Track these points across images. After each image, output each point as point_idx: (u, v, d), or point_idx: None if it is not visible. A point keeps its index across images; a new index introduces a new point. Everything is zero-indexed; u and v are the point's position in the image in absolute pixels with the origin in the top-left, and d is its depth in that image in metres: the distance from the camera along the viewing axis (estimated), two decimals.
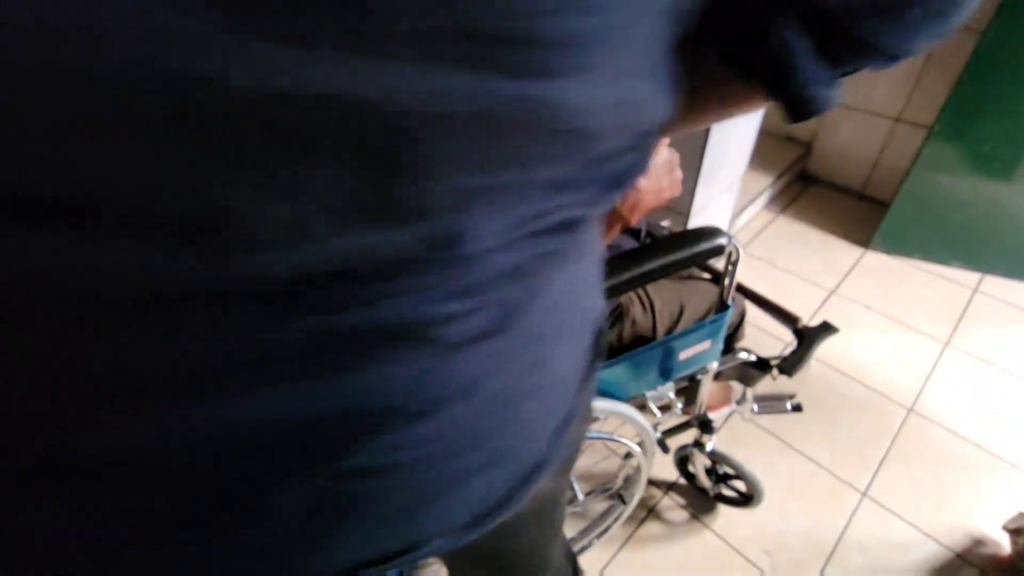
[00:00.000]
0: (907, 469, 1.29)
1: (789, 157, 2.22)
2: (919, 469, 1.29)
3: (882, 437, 1.35)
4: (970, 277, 1.80)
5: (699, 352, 0.90)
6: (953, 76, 1.76)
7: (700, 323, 0.85)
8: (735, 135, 1.46)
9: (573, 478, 1.18)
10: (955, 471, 1.28)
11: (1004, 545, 1.11)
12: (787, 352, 1.01)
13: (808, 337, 0.98)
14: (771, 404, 1.11)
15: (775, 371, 0.99)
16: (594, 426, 0.99)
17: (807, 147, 2.25)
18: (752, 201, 2.05)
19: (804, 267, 1.87)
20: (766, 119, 2.33)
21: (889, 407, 1.42)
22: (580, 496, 1.14)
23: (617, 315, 0.90)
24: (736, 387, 1.17)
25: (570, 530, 1.16)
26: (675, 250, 0.68)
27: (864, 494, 1.25)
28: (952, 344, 1.59)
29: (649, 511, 1.24)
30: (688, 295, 0.98)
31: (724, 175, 1.59)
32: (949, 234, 1.79)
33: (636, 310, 0.92)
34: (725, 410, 1.10)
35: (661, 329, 0.94)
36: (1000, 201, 1.65)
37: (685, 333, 0.85)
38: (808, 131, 2.23)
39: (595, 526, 1.14)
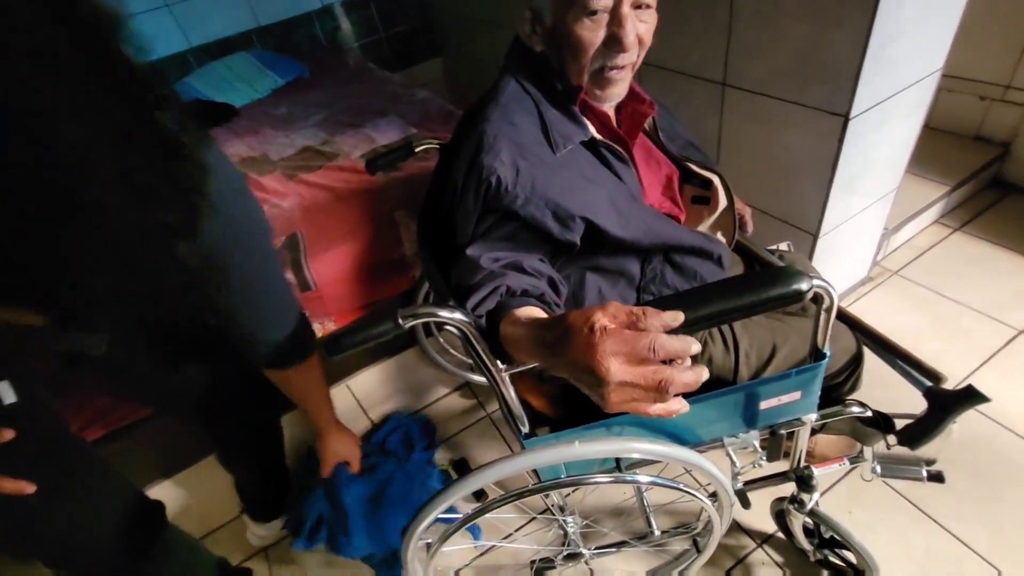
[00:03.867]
0: None
1: (977, 161, 1.82)
2: None
3: None
4: None
5: (786, 403, 0.79)
6: None
7: (787, 372, 0.75)
8: (886, 130, 1.24)
9: (650, 511, 1.12)
10: None
11: None
12: (919, 414, 0.85)
13: (942, 403, 0.80)
14: (900, 468, 0.94)
15: (894, 436, 0.83)
16: (661, 470, 0.93)
17: (1004, 148, 1.82)
18: (918, 214, 1.72)
19: (984, 298, 1.53)
20: (936, 112, 1.93)
21: None
22: (655, 531, 1.08)
23: None
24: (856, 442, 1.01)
25: (642, 566, 1.10)
26: (737, 294, 0.61)
27: None
28: None
29: (738, 561, 1.12)
30: (785, 335, 0.86)
31: (871, 184, 1.36)
32: None
33: (716, 349, 0.84)
34: (835, 467, 0.96)
35: (746, 372, 0.85)
36: None
37: (765, 381, 0.76)
38: (1006, 127, 1.80)
39: (668, 568, 1.07)
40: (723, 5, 1.25)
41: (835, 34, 1.07)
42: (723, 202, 0.89)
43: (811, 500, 0.96)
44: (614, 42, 0.67)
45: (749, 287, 0.62)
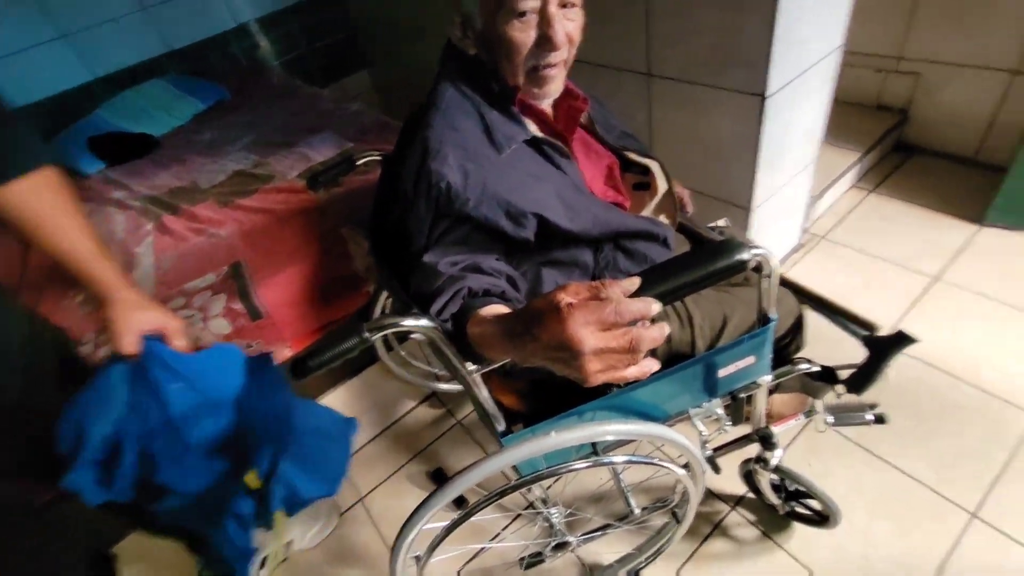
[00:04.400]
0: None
1: (881, 127, 1.98)
2: None
3: (998, 449, 1.17)
4: None
5: (742, 368, 0.84)
6: None
7: (739, 339, 0.79)
8: (801, 105, 1.33)
9: (628, 491, 1.16)
10: None
11: None
12: (860, 363, 0.91)
13: (879, 349, 0.87)
14: (848, 416, 1.01)
15: (841, 386, 0.90)
16: (634, 450, 0.96)
17: (903, 114, 1.99)
18: (836, 181, 1.85)
19: (901, 251, 1.66)
20: (841, 85, 2.09)
21: (1006, 412, 1.23)
22: (635, 510, 1.11)
23: None
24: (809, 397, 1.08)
25: (626, 546, 1.13)
26: (686, 270, 0.64)
27: (974, 515, 1.09)
28: None
29: (715, 526, 1.17)
30: (733, 305, 0.91)
31: (793, 156, 1.45)
32: None
33: (673, 325, 0.88)
34: (792, 423, 1.02)
35: (701, 344, 0.89)
36: None
37: (721, 350, 0.80)
38: (902, 95, 1.96)
39: (652, 543, 1.10)
40: (640, 2, 1.30)
41: (745, 19, 1.14)
42: (662, 186, 0.93)
43: (775, 457, 1.02)
44: (545, 41, 0.69)
45: (696, 262, 0.65)
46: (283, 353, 1.20)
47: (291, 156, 1.63)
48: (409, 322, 0.59)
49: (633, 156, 0.92)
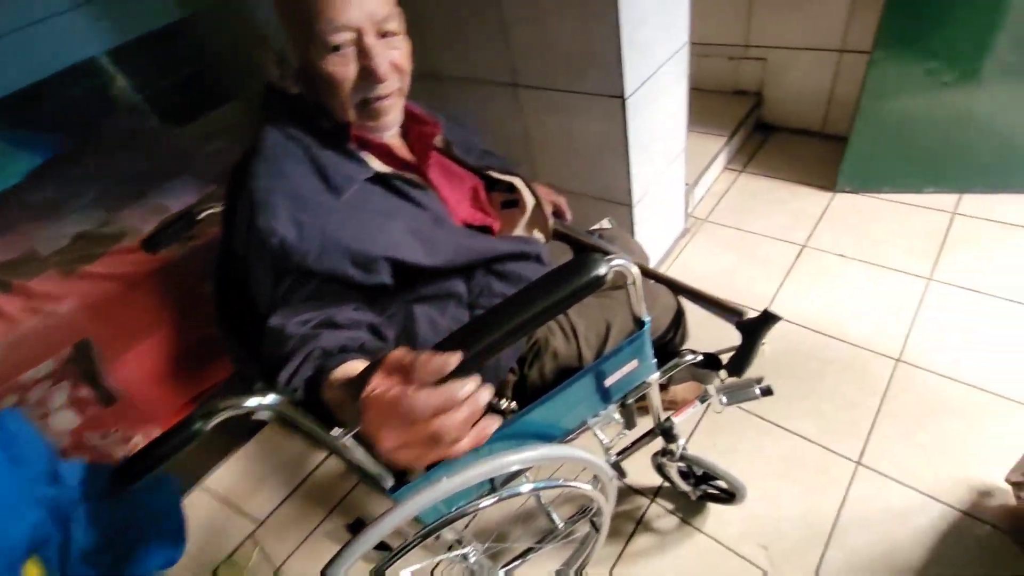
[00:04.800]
0: (901, 427, 1.22)
1: (741, 110, 2.13)
2: (914, 424, 1.22)
3: (870, 396, 1.29)
4: (946, 200, 1.70)
5: (629, 373, 0.85)
6: None
7: (619, 346, 0.80)
8: (660, 102, 1.39)
9: (549, 507, 1.15)
10: (953, 419, 1.21)
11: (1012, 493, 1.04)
12: (737, 346, 0.96)
13: (750, 332, 0.92)
14: (739, 394, 1.05)
15: (724, 371, 0.93)
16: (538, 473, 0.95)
17: (758, 96, 2.15)
18: (709, 165, 1.97)
19: (773, 225, 1.79)
20: (700, 75, 2.23)
21: (874, 361, 1.35)
22: (560, 524, 1.11)
23: (535, 352, 0.86)
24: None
25: (556, 561, 1.12)
26: (546, 294, 0.63)
27: (858, 463, 1.18)
28: (935, 278, 1.50)
29: (638, 523, 1.19)
30: (614, 310, 0.92)
31: (662, 150, 1.52)
32: (915, 159, 1.69)
33: (557, 340, 0.87)
34: (690, 411, 1.05)
35: (588, 353, 0.89)
36: (963, 113, 1.54)
37: (604, 359, 0.80)
38: (754, 79, 2.13)
39: (578, 554, 1.10)
40: (494, 10, 1.30)
41: (592, 26, 1.16)
42: (530, 201, 0.92)
43: (678, 447, 1.05)
44: (368, 74, 0.65)
45: (548, 289, 0.64)
46: (151, 436, 1.06)
47: (145, 208, 1.47)
48: (250, 402, 0.53)
49: (496, 174, 0.91)
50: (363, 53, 0.65)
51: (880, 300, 1.48)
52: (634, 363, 0.84)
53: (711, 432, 1.29)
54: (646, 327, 0.80)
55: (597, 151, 1.41)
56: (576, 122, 1.38)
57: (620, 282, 1.04)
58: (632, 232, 1.54)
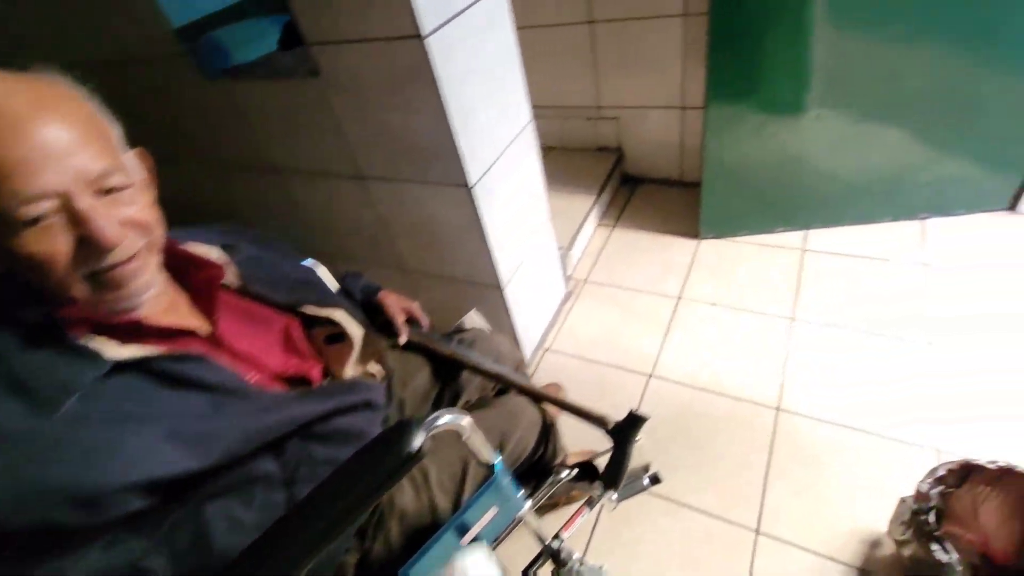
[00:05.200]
0: (790, 483, 1.22)
1: (605, 166, 2.19)
2: (802, 478, 1.22)
3: (758, 453, 1.28)
4: (795, 238, 1.82)
5: (494, 518, 0.74)
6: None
7: (470, 500, 0.69)
8: (511, 182, 1.35)
9: None
10: (835, 466, 1.23)
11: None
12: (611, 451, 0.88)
13: (620, 437, 0.86)
14: (628, 488, 0.98)
15: (599, 483, 0.86)
16: None
17: (619, 152, 2.23)
18: (583, 225, 1.98)
19: (649, 278, 1.82)
20: (564, 136, 2.30)
21: (757, 414, 1.36)
22: None
23: (378, 518, 0.73)
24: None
25: None
26: (349, 490, 0.51)
27: (757, 531, 1.15)
28: (797, 317, 1.57)
29: None
30: (492, 423, 0.82)
31: (524, 226, 1.48)
32: (762, 202, 1.80)
33: (405, 497, 0.75)
34: (580, 521, 0.96)
35: (445, 502, 0.78)
36: (793, 155, 1.66)
37: (460, 514, 0.69)
38: (612, 136, 2.21)
39: None
40: (325, 109, 1.21)
41: (421, 120, 1.10)
42: (357, 333, 0.81)
43: (573, 566, 0.95)
44: (89, 244, 0.52)
45: (351, 482, 0.53)
46: None
47: None
48: None
49: (311, 310, 0.79)
50: (77, 220, 0.51)
51: (753, 346, 1.52)
52: (493, 511, 0.74)
53: (615, 525, 1.22)
54: (496, 472, 0.70)
55: (456, 237, 1.34)
56: (429, 210, 1.31)
57: (486, 398, 0.95)
58: (507, 313, 1.47)
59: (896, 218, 1.78)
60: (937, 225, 1.74)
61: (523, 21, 2.04)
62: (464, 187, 1.19)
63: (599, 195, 2.09)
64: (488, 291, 1.44)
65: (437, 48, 1.00)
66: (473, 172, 1.18)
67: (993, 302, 1.47)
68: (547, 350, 1.68)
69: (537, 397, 0.92)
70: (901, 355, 1.41)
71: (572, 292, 1.85)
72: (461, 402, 1.01)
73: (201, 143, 1.56)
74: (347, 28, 1.03)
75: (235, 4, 1.14)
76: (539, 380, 1.59)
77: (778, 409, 1.36)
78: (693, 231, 1.94)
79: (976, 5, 1.32)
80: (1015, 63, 1.40)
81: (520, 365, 1.16)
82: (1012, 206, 1.71)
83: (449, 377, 1.01)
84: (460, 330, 1.10)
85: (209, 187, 1.72)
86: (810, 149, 1.65)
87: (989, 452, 0.98)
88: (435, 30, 0.99)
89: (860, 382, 1.37)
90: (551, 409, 0.98)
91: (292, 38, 1.11)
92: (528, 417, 0.90)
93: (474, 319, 1.22)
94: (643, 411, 0.87)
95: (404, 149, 1.20)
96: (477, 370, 0.96)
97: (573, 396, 1.52)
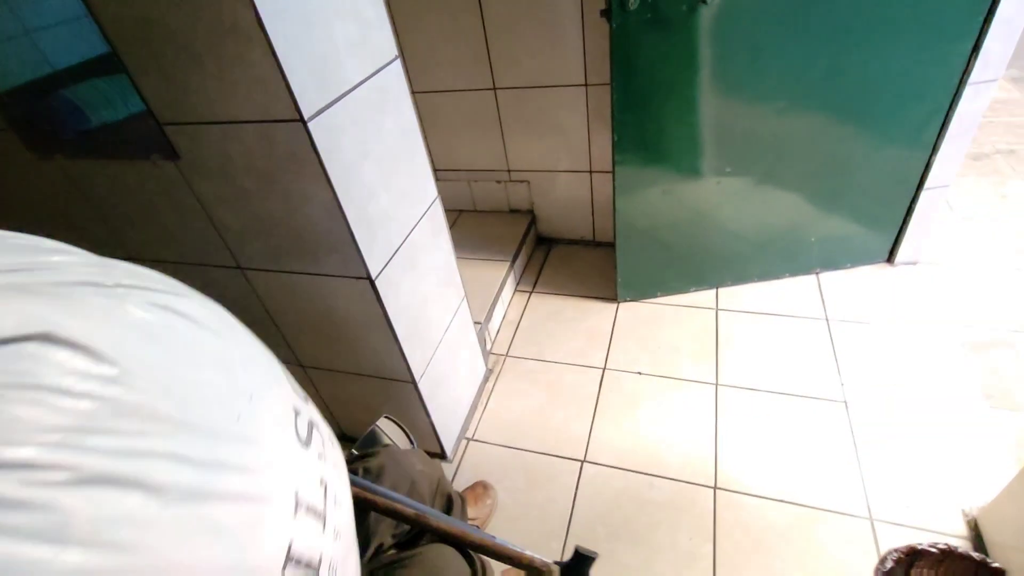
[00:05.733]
0: (739, 574, 1.14)
1: (519, 229, 2.13)
2: (751, 568, 1.15)
3: (704, 542, 1.20)
4: (708, 297, 1.84)
5: None
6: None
7: None
8: (418, 269, 1.23)
9: None
10: (783, 550, 1.17)
11: None
12: None
13: None
14: None
15: None
16: None
17: (531, 214, 2.19)
18: (499, 294, 1.88)
19: (572, 349, 1.74)
20: (476, 198, 2.23)
21: (697, 496, 1.29)
22: None
23: None
24: None
25: None
26: None
27: None
28: (721, 382, 1.56)
29: None
30: None
31: (437, 311, 1.35)
32: (675, 263, 1.81)
33: None
34: None
35: None
36: (699, 219, 1.69)
37: None
38: (524, 199, 2.17)
39: None
40: (188, 195, 1.02)
41: (309, 210, 0.95)
42: None
43: None
44: None
45: None
46: None
47: None
48: None
49: None
50: None
51: (682, 417, 1.47)
52: None
53: None
54: None
55: (358, 332, 1.18)
56: (326, 304, 1.14)
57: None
58: (423, 408, 1.31)
59: (794, 273, 1.87)
60: (829, 279, 1.84)
61: (424, 86, 2.00)
62: (365, 279, 1.05)
63: (514, 260, 2.02)
64: (398, 386, 1.28)
65: (323, 132, 0.86)
66: (374, 263, 1.04)
67: (888, 354, 1.55)
68: (470, 440, 1.53)
69: (463, 543, 0.77)
70: (820, 415, 1.42)
71: (492, 370, 1.72)
72: (371, 548, 0.83)
73: (31, 228, 1.28)
74: (209, 108, 0.87)
75: (83, 62, 0.93)
76: (462, 475, 1.43)
77: (715, 488, 1.30)
78: (611, 293, 1.91)
79: (840, 87, 1.43)
80: (880, 133, 1.53)
81: (440, 483, 1.00)
82: (889, 258, 1.86)
83: (356, 520, 0.82)
84: (365, 454, 0.93)
85: None
86: (714, 211, 1.69)
87: (918, 516, 0.97)
88: (319, 112, 0.85)
89: (788, 448, 1.36)
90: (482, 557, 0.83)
91: None
92: (456, 568, 0.74)
93: (384, 430, 1.05)
94: (589, 549, 0.75)
95: (291, 240, 1.03)
96: (389, 512, 0.79)
97: (501, 492, 1.38)
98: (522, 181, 2.12)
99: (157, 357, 0.29)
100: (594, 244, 2.18)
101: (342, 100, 0.90)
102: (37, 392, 0.23)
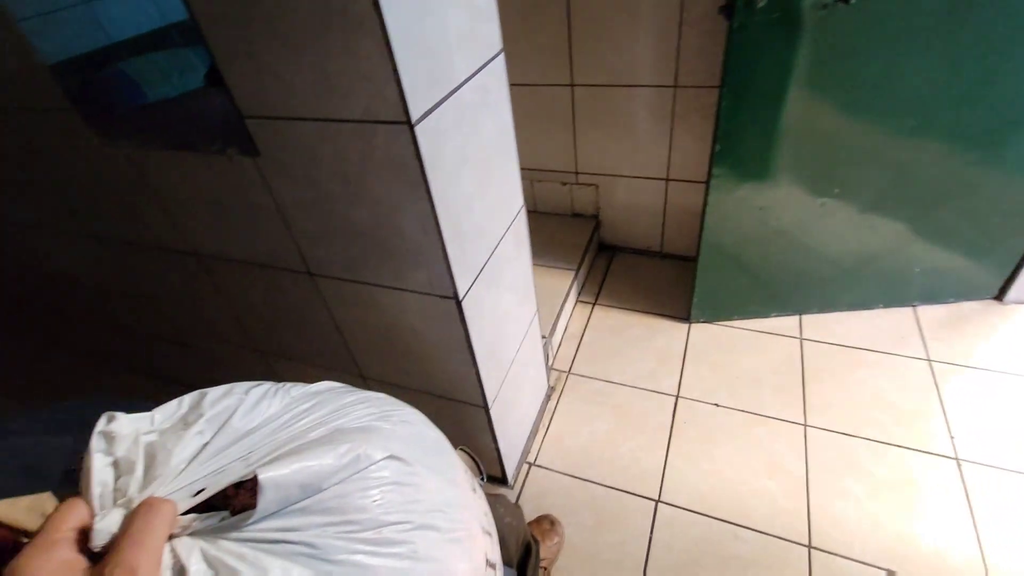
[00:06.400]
0: None
1: (583, 235, 2.00)
2: None
3: None
4: (790, 324, 1.69)
5: None
6: (699, 134, 1.66)
7: None
8: (501, 286, 1.12)
9: None
10: None
11: None
12: None
13: None
14: None
15: None
16: None
17: (595, 219, 2.06)
18: (562, 306, 1.76)
19: (639, 372, 1.62)
20: (538, 199, 2.11)
21: (790, 555, 1.16)
22: None
23: None
24: None
25: None
26: None
27: None
28: (810, 423, 1.41)
29: None
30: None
31: (510, 336, 1.23)
32: (758, 286, 1.66)
33: None
34: None
35: None
36: (793, 243, 1.54)
37: None
38: (590, 203, 2.03)
39: None
40: (264, 195, 0.92)
41: (404, 220, 0.85)
42: None
43: None
44: None
45: None
46: None
47: None
48: None
49: None
50: None
51: (768, 459, 1.34)
52: None
53: None
54: None
55: (432, 351, 1.07)
56: (401, 321, 1.04)
57: None
58: (491, 433, 1.21)
59: (888, 305, 1.71)
60: (929, 313, 1.67)
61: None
62: (451, 299, 0.94)
63: (579, 268, 1.89)
64: (469, 410, 1.18)
65: (427, 137, 0.75)
66: (462, 282, 0.93)
67: (1004, 406, 1.38)
68: (532, 464, 1.42)
69: None
70: (928, 471, 1.27)
71: (554, 387, 1.61)
72: None
73: (91, 215, 1.21)
74: (301, 103, 0.77)
75: (141, 35, 0.84)
76: (525, 503, 1.33)
77: (810, 547, 1.17)
78: (682, 312, 1.77)
79: (983, 109, 1.26)
80: (1013, 166, 1.36)
81: (522, 532, 0.90)
82: (999, 296, 1.68)
83: None
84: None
85: (106, 267, 1.36)
86: (811, 234, 1.53)
87: None
88: (426, 114, 0.74)
89: (891, 506, 1.21)
90: None
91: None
92: None
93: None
94: None
95: (373, 251, 0.93)
96: None
97: (568, 528, 1.27)
98: (590, 184, 1.98)
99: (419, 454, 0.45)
100: (661, 255, 2.04)
101: (448, 100, 0.79)
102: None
